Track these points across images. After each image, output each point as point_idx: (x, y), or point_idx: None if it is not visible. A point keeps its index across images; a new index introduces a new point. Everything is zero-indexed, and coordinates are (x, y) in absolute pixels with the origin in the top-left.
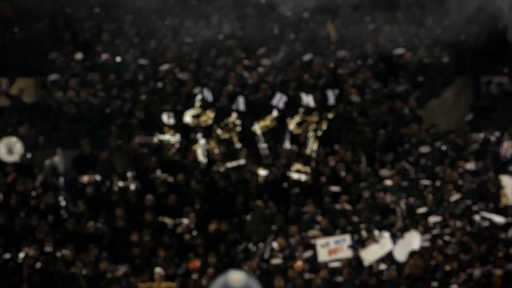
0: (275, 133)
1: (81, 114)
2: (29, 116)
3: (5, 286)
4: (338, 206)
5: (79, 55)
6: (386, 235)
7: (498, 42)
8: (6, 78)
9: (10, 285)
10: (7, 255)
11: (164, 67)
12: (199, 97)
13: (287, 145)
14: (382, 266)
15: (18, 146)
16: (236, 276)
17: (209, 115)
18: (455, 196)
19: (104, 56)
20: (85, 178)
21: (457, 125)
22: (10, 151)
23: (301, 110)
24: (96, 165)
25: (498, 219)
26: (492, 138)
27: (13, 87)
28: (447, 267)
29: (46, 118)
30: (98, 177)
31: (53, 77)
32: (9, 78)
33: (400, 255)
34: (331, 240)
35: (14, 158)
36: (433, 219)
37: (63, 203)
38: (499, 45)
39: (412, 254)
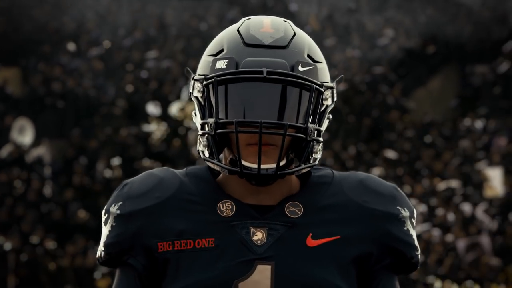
0: None
1: (67, 103)
2: (14, 106)
3: None
4: None
5: (66, 45)
6: None
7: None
8: None
9: None
10: None
11: (151, 54)
12: (185, 89)
13: None
14: None
15: (29, 128)
16: (265, 20)
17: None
18: (441, 185)
19: (90, 46)
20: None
21: (445, 115)
22: (21, 131)
23: None
24: (84, 154)
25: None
26: (477, 126)
27: None
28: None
29: (32, 108)
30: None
31: (37, 66)
32: None
33: None
34: None
35: (26, 140)
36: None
37: (49, 192)
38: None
39: None
